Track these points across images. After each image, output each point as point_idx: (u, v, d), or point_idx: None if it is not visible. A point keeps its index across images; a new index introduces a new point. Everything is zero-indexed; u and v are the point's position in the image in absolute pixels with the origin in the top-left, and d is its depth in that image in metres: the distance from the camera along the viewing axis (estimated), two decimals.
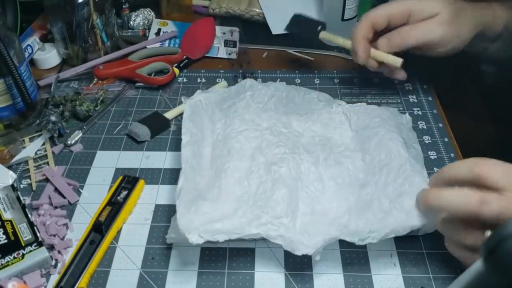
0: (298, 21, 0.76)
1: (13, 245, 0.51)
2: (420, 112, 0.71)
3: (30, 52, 0.79)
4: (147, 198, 0.59)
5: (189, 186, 0.53)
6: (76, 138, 0.67)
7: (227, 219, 0.51)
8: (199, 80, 0.78)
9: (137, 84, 0.77)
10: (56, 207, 0.58)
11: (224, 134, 0.61)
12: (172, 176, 0.62)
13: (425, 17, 0.62)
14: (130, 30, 0.89)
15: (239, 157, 0.57)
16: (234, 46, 0.86)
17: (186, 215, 0.50)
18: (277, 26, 0.88)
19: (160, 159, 0.64)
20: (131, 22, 0.89)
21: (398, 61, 0.67)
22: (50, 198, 0.58)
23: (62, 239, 0.54)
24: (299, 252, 0.49)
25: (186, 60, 0.81)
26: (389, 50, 0.66)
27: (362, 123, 0.62)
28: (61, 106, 0.71)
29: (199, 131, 0.61)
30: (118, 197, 0.57)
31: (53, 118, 0.66)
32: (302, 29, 0.76)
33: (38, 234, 0.52)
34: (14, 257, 0.50)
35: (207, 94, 0.66)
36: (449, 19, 0.62)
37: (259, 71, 0.80)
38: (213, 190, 0.54)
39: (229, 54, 0.84)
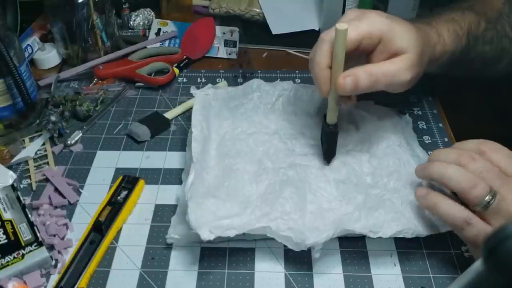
0: None
1: (13, 245, 0.51)
2: (420, 112, 0.71)
3: (30, 52, 0.79)
4: (147, 198, 0.59)
5: (198, 182, 0.54)
6: (76, 138, 0.67)
7: (236, 217, 0.51)
8: (199, 80, 0.78)
9: (137, 84, 0.77)
10: (56, 207, 0.57)
11: (233, 134, 0.61)
12: (172, 176, 0.62)
13: (393, 51, 0.52)
14: (130, 30, 0.89)
15: (248, 159, 0.58)
16: (234, 46, 0.86)
17: (197, 211, 0.50)
18: (277, 26, 0.88)
19: (160, 159, 0.64)
20: (131, 22, 0.89)
21: None
22: (50, 198, 0.58)
23: (62, 239, 0.54)
24: (309, 242, 0.49)
25: (186, 60, 0.81)
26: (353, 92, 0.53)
27: (371, 125, 0.63)
28: (61, 106, 0.71)
29: (207, 126, 0.61)
30: (118, 197, 0.57)
31: (53, 118, 0.66)
32: None
33: (38, 234, 0.52)
34: (14, 257, 0.50)
35: (216, 90, 0.66)
36: (416, 62, 0.53)
37: (259, 71, 0.80)
38: (222, 189, 0.54)
39: (229, 54, 0.84)
